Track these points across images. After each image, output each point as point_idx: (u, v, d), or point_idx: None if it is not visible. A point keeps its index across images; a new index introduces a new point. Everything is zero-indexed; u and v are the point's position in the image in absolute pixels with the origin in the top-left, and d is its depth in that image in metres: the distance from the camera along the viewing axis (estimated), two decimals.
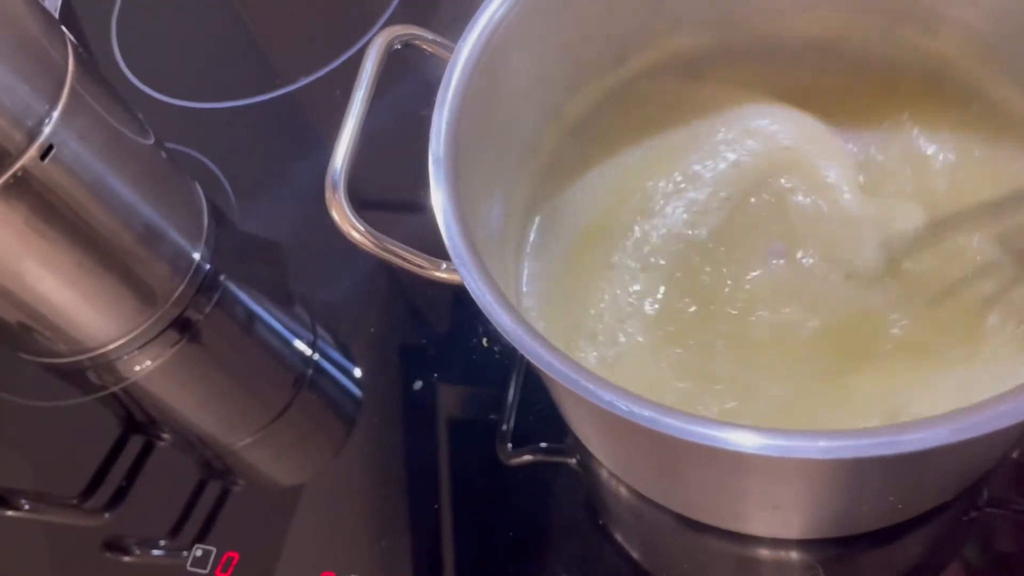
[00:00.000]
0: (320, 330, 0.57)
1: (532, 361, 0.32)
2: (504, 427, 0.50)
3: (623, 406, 0.30)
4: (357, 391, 0.55)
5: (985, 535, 0.42)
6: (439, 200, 0.36)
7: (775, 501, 0.36)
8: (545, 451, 0.49)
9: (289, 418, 0.54)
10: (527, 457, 0.49)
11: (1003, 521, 0.43)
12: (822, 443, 0.28)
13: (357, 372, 0.56)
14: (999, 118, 0.44)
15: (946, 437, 0.27)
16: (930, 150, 0.46)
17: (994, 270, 0.41)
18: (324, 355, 0.56)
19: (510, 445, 0.49)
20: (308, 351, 0.56)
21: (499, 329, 0.33)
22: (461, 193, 0.37)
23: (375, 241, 0.38)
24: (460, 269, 0.34)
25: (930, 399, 0.38)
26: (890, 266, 0.43)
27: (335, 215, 0.38)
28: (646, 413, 0.30)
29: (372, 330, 0.56)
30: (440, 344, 0.54)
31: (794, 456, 0.28)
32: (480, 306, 0.34)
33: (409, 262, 0.39)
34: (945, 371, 0.39)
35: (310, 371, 0.55)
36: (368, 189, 0.56)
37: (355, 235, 0.38)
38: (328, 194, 0.38)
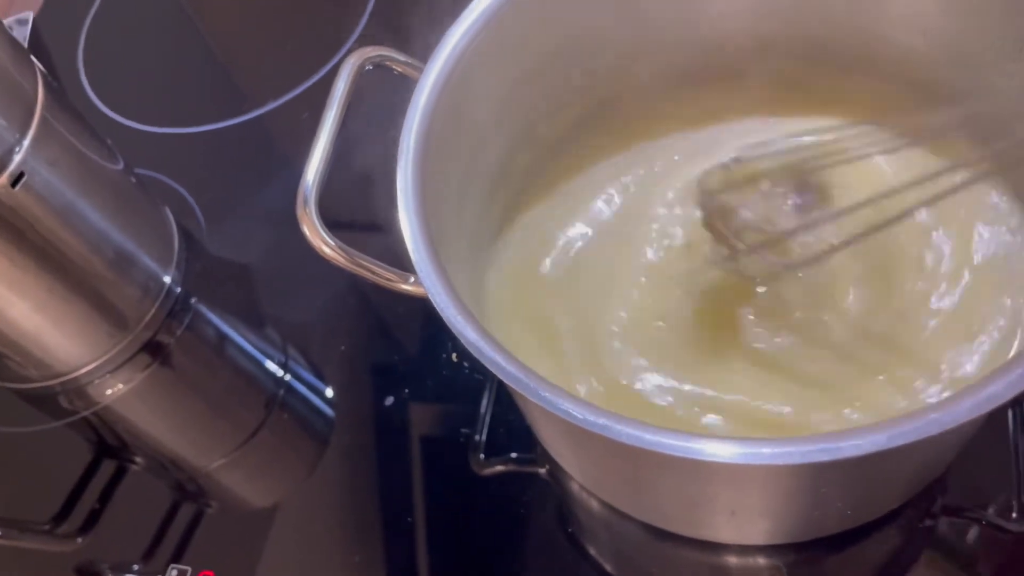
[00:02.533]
0: (291, 350, 0.58)
1: (491, 370, 0.33)
2: (477, 438, 0.50)
3: (577, 414, 0.31)
4: (329, 410, 0.55)
5: (940, 540, 0.44)
6: (405, 216, 0.37)
7: (734, 508, 0.37)
8: (516, 461, 0.49)
9: (262, 439, 0.54)
10: (499, 467, 0.50)
11: (956, 527, 0.44)
12: (766, 450, 0.29)
13: (329, 391, 0.56)
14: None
15: (883, 443, 0.28)
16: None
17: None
18: (295, 375, 0.57)
19: (483, 455, 0.50)
20: (279, 372, 0.56)
21: (460, 338, 0.34)
22: (428, 209, 0.38)
23: (345, 255, 0.39)
24: (424, 281, 0.35)
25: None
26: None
27: (306, 230, 0.39)
28: (600, 421, 0.31)
29: (343, 349, 0.56)
30: (411, 361, 0.55)
31: (740, 463, 0.29)
32: (443, 317, 0.35)
33: (378, 275, 0.39)
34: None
35: (282, 391, 0.56)
36: (339, 208, 0.57)
37: (326, 250, 0.39)
38: (299, 210, 0.39)
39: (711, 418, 0.41)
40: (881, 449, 0.29)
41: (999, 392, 0.29)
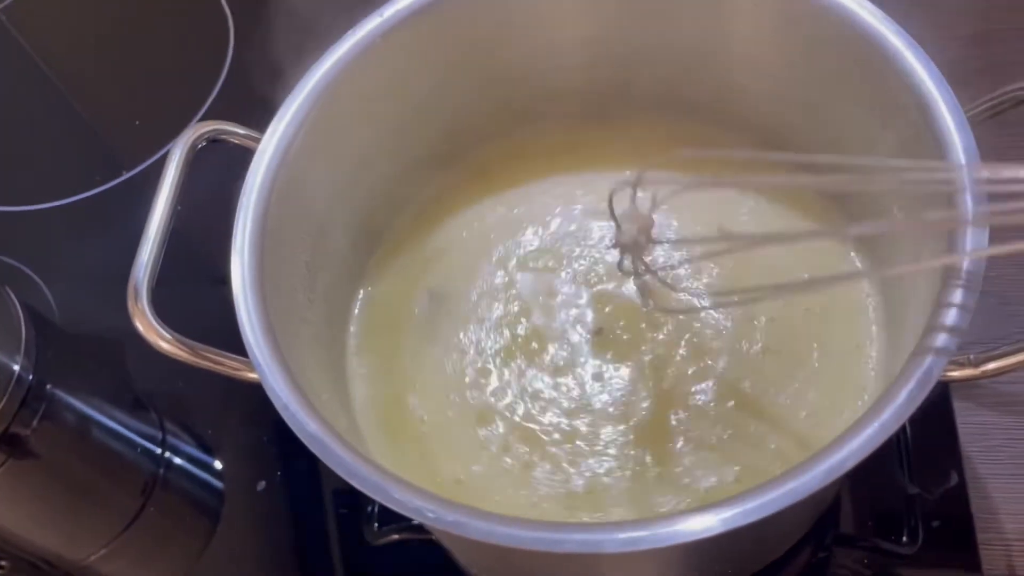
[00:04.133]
0: (170, 426, 0.55)
1: (335, 470, 0.31)
2: (369, 508, 0.49)
3: (430, 513, 0.30)
4: (218, 483, 0.53)
5: (835, 572, 0.44)
6: (241, 307, 0.36)
7: None
8: (410, 529, 0.48)
9: (145, 523, 0.51)
10: (394, 536, 0.48)
11: (850, 557, 0.44)
12: (620, 535, 0.28)
13: (217, 464, 0.54)
14: None
15: (738, 520, 0.27)
16: None
17: None
18: (176, 451, 0.54)
19: (376, 525, 0.49)
20: (157, 450, 0.54)
21: (297, 434, 0.32)
22: (269, 291, 0.36)
23: (185, 348, 0.37)
24: (261, 374, 0.33)
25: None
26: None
27: (139, 327, 0.37)
28: (450, 518, 0.29)
29: (228, 419, 0.54)
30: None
31: (587, 552, 0.28)
32: (282, 415, 0.33)
33: (223, 366, 0.37)
34: None
35: (162, 470, 0.53)
36: (185, 285, 0.55)
37: (163, 345, 0.37)
38: (131, 303, 0.37)
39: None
40: (726, 530, 0.28)
41: (851, 455, 0.29)
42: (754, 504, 0.28)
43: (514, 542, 0.29)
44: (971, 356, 0.32)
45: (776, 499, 0.28)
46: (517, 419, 0.42)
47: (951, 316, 0.30)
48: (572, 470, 0.39)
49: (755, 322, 0.42)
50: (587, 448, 0.40)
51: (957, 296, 0.30)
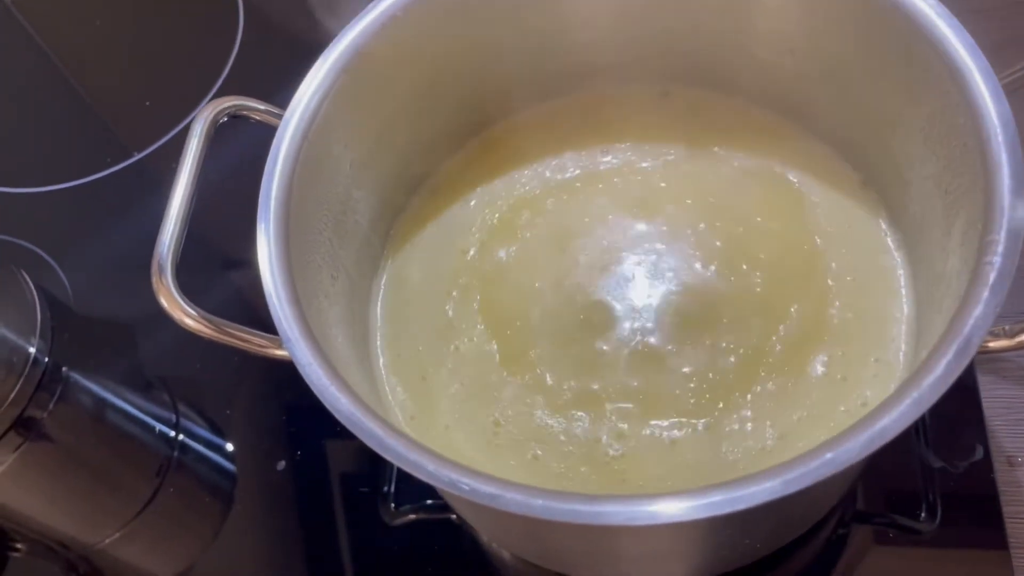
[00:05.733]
0: (183, 409, 0.55)
1: (368, 444, 0.31)
2: (386, 488, 0.49)
3: (464, 486, 0.29)
4: (231, 466, 0.53)
5: (854, 548, 0.43)
6: (268, 281, 0.35)
7: (639, 558, 0.36)
8: (427, 509, 0.48)
9: (159, 506, 0.51)
10: (411, 516, 0.48)
11: (869, 533, 0.44)
12: (658, 507, 0.28)
13: (229, 447, 0.53)
14: None
15: (779, 490, 0.27)
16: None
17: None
18: (190, 434, 0.54)
19: (393, 505, 0.49)
20: (171, 432, 0.53)
21: (332, 412, 0.32)
22: (296, 267, 0.36)
23: (210, 325, 0.37)
24: (291, 350, 0.33)
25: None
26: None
27: (164, 302, 0.37)
28: (487, 490, 0.29)
29: (241, 401, 0.54)
30: (315, 408, 0.52)
31: (633, 524, 0.27)
32: (314, 391, 0.32)
33: (249, 343, 0.37)
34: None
35: (176, 453, 0.53)
36: (207, 266, 0.55)
37: (188, 322, 0.37)
38: (155, 279, 0.36)
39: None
40: (779, 496, 0.28)
41: (890, 425, 0.29)
42: (793, 474, 0.28)
43: (549, 514, 0.29)
44: (1006, 327, 0.32)
45: (812, 470, 0.28)
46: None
47: (989, 285, 0.30)
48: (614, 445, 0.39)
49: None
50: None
51: (995, 264, 0.30)
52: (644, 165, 0.47)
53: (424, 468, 0.30)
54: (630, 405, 0.40)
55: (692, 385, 0.40)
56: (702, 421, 0.39)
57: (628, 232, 0.45)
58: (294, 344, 0.33)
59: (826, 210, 0.44)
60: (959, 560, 0.42)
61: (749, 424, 0.39)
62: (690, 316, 0.42)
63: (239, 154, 0.50)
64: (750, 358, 0.40)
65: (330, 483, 0.50)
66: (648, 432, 0.39)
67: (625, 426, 0.39)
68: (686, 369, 0.40)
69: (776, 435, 0.38)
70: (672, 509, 0.28)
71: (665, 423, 0.39)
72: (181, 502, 0.52)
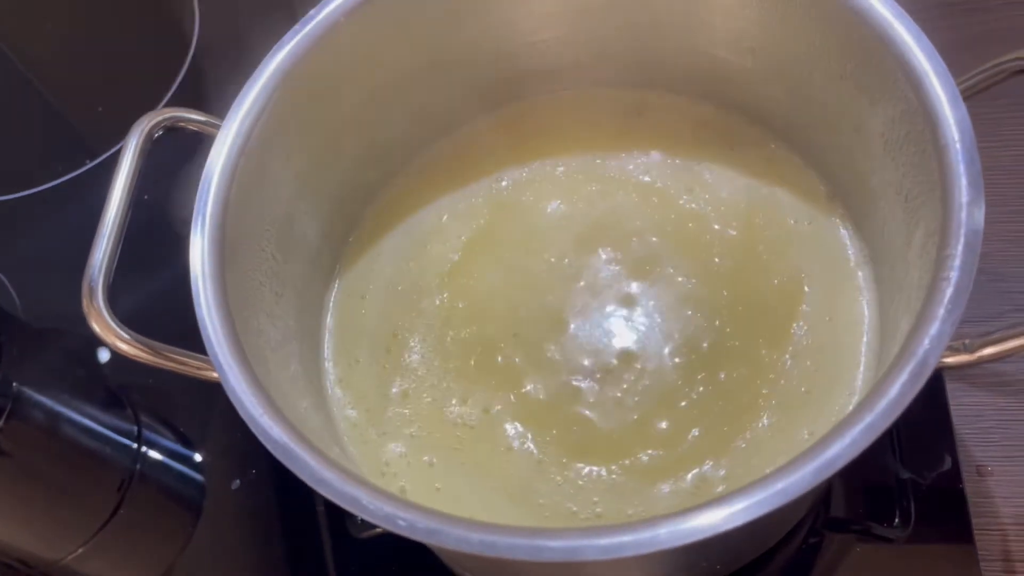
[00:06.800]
0: (145, 419, 0.54)
1: (301, 478, 0.30)
2: None
3: (401, 522, 0.28)
4: (199, 477, 0.52)
5: (826, 556, 0.43)
6: (201, 303, 0.34)
7: None
8: None
9: (122, 520, 0.50)
10: (377, 530, 0.47)
11: (841, 541, 0.43)
12: (601, 542, 0.26)
13: (197, 457, 0.53)
14: None
15: (724, 524, 0.26)
16: None
17: None
18: (153, 445, 0.53)
19: (359, 519, 0.48)
20: (133, 445, 0.52)
21: (265, 444, 0.31)
22: (232, 287, 0.35)
23: (145, 349, 0.36)
24: (222, 376, 0.32)
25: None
26: None
27: (96, 327, 0.35)
28: (425, 525, 0.28)
29: (208, 410, 0.53)
30: None
31: (557, 560, 0.26)
32: (245, 420, 0.31)
33: (186, 366, 0.36)
34: None
35: (138, 466, 0.52)
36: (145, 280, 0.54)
37: (122, 346, 0.35)
38: (85, 303, 0.35)
39: None
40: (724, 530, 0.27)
41: (842, 453, 0.27)
42: (740, 507, 0.27)
43: (490, 550, 0.28)
44: (966, 342, 0.31)
45: (760, 502, 0.27)
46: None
47: (944, 303, 0.29)
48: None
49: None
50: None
51: (952, 278, 0.29)
52: (603, 172, 0.46)
53: (359, 502, 0.29)
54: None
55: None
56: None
57: (588, 240, 0.44)
58: (226, 371, 0.32)
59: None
60: (930, 570, 0.42)
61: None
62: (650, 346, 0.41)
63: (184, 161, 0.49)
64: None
65: (300, 494, 0.49)
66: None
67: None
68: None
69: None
70: (613, 542, 0.27)
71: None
72: (146, 515, 0.51)
